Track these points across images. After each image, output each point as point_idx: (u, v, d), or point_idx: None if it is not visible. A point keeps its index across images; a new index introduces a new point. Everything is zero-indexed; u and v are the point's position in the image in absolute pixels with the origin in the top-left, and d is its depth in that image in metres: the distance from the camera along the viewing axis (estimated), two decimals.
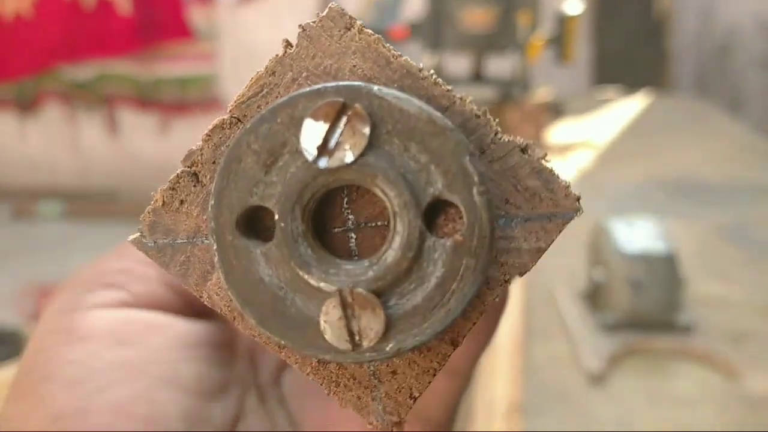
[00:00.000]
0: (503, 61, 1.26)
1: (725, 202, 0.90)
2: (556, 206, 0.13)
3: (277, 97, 0.13)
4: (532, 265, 0.13)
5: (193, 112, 3.20)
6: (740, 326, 0.58)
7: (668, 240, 0.56)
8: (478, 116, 0.12)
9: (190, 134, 3.18)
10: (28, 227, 2.85)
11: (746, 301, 0.63)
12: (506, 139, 0.13)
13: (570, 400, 0.48)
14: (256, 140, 0.13)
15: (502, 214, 0.13)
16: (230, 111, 0.14)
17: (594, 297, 0.58)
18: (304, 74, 0.13)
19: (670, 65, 2.60)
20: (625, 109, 1.55)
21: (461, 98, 0.13)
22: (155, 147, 3.26)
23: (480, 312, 0.13)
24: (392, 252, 0.12)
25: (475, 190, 0.12)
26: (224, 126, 0.14)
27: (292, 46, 0.13)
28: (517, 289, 0.62)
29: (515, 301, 0.59)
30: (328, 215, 0.13)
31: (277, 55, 0.13)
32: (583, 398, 0.48)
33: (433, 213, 0.12)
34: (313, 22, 0.13)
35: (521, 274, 0.13)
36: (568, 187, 0.13)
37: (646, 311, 0.55)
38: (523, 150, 0.13)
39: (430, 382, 0.13)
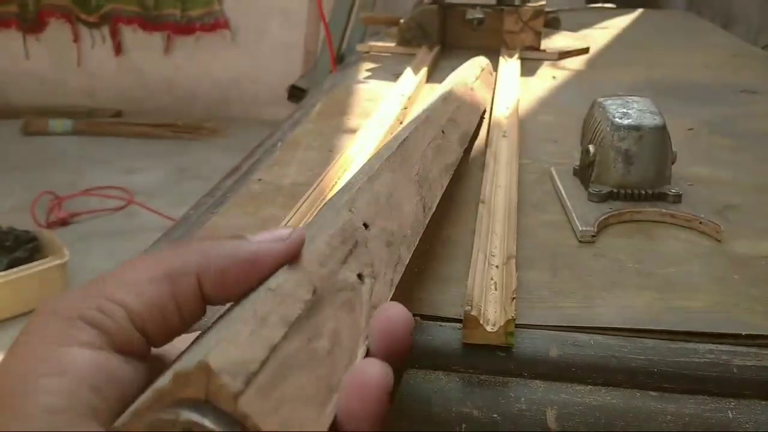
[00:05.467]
0: None
1: (714, 101, 0.92)
2: None
3: None
4: None
5: (195, 32, 3.17)
6: (726, 200, 0.61)
7: (662, 115, 0.59)
8: None
9: (193, 54, 3.16)
10: (39, 143, 2.88)
11: (732, 180, 0.65)
12: None
13: (561, 256, 0.52)
14: None
15: None
16: None
17: (587, 172, 0.60)
18: None
19: None
20: (620, 22, 1.55)
21: None
22: (159, 66, 3.25)
23: None
24: None
25: None
26: None
27: None
28: (512, 168, 0.65)
29: (510, 179, 0.62)
30: None
31: None
32: (574, 255, 0.52)
33: None
34: None
35: None
36: None
37: (636, 182, 0.58)
38: None
39: None
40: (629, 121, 0.58)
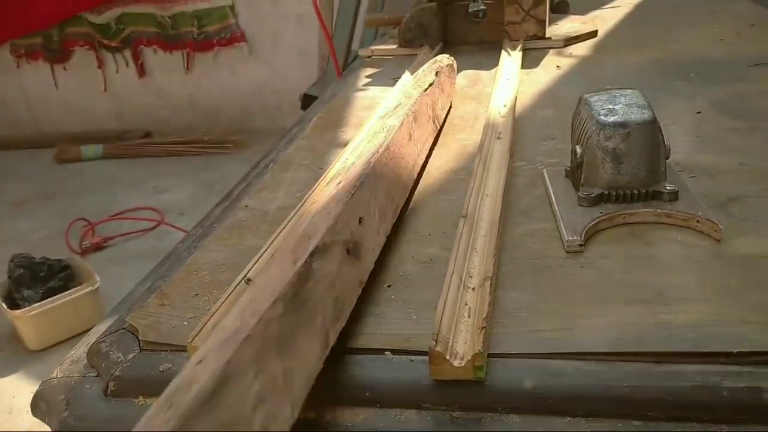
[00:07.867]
0: None
1: (727, 78, 0.86)
2: None
3: None
4: None
5: (214, 48, 3.19)
6: (730, 191, 0.57)
7: (651, 108, 0.55)
8: None
9: (213, 69, 3.19)
10: (72, 169, 2.95)
11: (738, 168, 0.61)
12: None
13: (546, 271, 0.49)
14: None
15: None
16: None
17: (577, 174, 0.57)
18: None
19: None
20: (634, 3, 1.48)
21: None
22: (182, 85, 3.29)
23: None
24: None
25: None
26: None
27: None
28: (501, 173, 0.62)
29: (498, 188, 0.60)
30: None
31: None
32: (559, 268, 0.49)
33: None
34: None
35: None
36: None
37: (628, 182, 0.55)
38: None
39: None
40: (615, 117, 0.54)
